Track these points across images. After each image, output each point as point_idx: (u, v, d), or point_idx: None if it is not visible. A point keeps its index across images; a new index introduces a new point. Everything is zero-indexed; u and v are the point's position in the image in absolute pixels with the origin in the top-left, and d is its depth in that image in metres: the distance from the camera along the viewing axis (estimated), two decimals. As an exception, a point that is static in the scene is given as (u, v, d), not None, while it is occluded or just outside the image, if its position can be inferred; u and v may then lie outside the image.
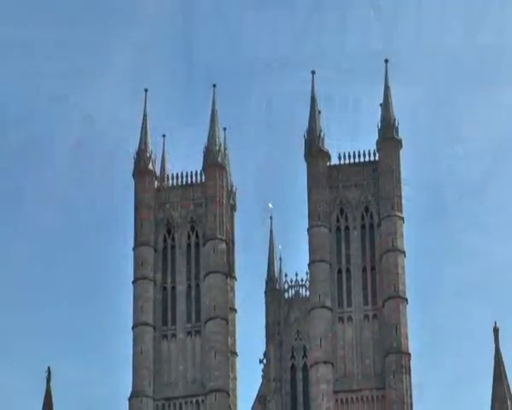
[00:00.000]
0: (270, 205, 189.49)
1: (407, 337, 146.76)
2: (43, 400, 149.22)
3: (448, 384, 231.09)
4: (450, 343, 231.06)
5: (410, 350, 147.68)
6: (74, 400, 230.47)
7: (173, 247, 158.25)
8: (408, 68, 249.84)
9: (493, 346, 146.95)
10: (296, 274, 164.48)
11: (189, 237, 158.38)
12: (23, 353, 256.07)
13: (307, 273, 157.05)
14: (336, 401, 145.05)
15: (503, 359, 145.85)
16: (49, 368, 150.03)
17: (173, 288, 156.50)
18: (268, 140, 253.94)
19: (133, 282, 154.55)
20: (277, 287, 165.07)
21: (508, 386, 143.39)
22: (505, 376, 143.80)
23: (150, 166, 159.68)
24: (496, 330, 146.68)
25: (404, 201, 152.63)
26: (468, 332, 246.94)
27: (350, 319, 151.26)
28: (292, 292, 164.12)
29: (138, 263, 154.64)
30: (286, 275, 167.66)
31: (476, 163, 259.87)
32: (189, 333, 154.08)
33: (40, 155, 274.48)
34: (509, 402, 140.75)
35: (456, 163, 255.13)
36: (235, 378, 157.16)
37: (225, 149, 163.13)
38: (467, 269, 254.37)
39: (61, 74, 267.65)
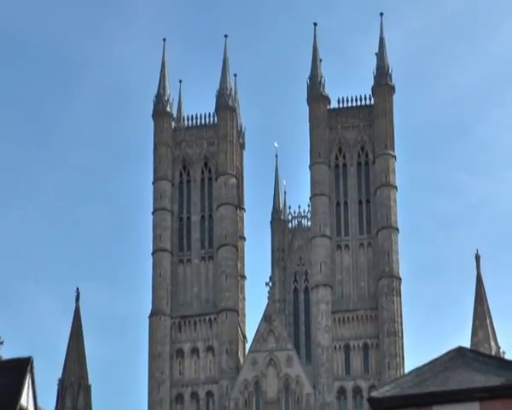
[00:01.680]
0: (276, 144, 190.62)
1: (398, 263, 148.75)
2: (72, 317, 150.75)
3: (434, 305, 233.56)
4: (436, 269, 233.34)
5: (401, 274, 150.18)
6: (100, 318, 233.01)
7: (188, 181, 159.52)
8: (402, 21, 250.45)
9: (475, 271, 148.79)
10: (299, 206, 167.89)
11: (202, 173, 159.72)
12: (54, 276, 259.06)
13: (309, 206, 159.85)
14: (334, 319, 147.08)
15: (484, 282, 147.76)
16: (77, 289, 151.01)
17: (188, 218, 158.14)
18: (274, 85, 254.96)
19: (152, 213, 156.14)
20: (282, 218, 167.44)
21: (487, 306, 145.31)
22: (485, 297, 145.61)
23: (168, 109, 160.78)
24: (477, 257, 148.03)
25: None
26: (452, 259, 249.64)
27: (347, 246, 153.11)
28: (295, 222, 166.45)
29: (157, 196, 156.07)
30: (290, 207, 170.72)
31: (463, 107, 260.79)
32: (202, 258, 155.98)
33: (70, 98, 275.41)
34: (487, 320, 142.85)
35: (445, 107, 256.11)
36: (243, 299, 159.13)
37: (235, 93, 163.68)
38: (452, 203, 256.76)
39: (91, 27, 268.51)
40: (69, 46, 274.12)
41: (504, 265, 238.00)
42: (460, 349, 37.53)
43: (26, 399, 35.76)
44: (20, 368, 36.54)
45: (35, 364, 37.14)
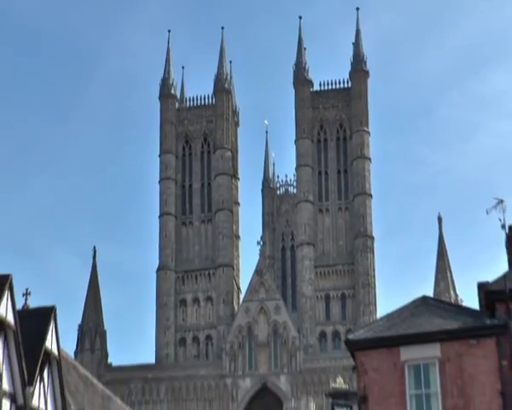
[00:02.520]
0: (266, 122, 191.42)
1: (371, 224, 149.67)
2: (90, 272, 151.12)
3: (402, 260, 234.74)
4: (404, 229, 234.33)
5: (374, 234, 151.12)
6: (114, 272, 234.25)
7: (190, 154, 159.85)
8: (375, 14, 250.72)
9: (437, 231, 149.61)
10: (286, 176, 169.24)
11: (202, 147, 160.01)
12: (75, 236, 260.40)
13: (294, 175, 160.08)
14: (316, 273, 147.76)
15: (445, 240, 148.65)
16: (94, 247, 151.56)
17: (190, 186, 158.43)
18: (264, 71, 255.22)
19: (159, 181, 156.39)
20: (271, 186, 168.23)
21: (448, 261, 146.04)
22: (446, 253, 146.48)
23: (172, 91, 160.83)
24: (439, 219, 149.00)
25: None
26: (418, 220, 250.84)
27: (327, 210, 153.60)
28: (282, 190, 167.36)
29: (163, 167, 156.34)
30: (278, 176, 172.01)
31: (427, 90, 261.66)
32: (202, 221, 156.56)
33: (87, 81, 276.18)
34: (448, 273, 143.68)
35: (412, 90, 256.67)
36: (238, 256, 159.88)
37: (231, 77, 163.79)
38: (417, 172, 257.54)
39: (105, 20, 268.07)
40: (86, 37, 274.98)
41: (462, 225, 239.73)
42: (424, 298, 37.70)
43: (50, 343, 35.85)
44: (44, 316, 36.60)
45: (58, 312, 37.23)
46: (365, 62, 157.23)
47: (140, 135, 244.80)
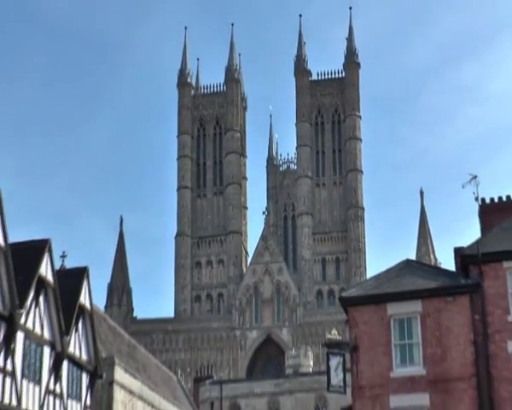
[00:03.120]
0: (270, 107, 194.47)
1: (362, 197, 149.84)
2: (117, 238, 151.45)
3: (389, 228, 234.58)
4: (391, 201, 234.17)
5: (364, 205, 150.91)
6: (138, 238, 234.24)
7: (204, 135, 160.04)
8: (366, 12, 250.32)
9: (420, 202, 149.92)
10: (287, 154, 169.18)
11: (214, 129, 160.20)
12: (105, 206, 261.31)
13: (295, 154, 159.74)
14: (314, 239, 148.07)
15: (426, 211, 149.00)
16: (121, 216, 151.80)
17: (204, 163, 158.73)
18: (269, 62, 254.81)
19: (177, 159, 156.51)
20: (275, 163, 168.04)
21: (428, 229, 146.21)
22: (427, 222, 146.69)
23: (188, 80, 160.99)
24: (421, 193, 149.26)
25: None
26: (403, 193, 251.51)
27: (324, 184, 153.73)
28: (284, 167, 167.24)
29: (181, 146, 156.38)
30: (281, 155, 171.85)
31: (411, 79, 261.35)
32: (215, 194, 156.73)
33: (114, 71, 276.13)
34: (428, 239, 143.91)
35: (398, 79, 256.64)
36: (246, 224, 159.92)
37: (240, 68, 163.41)
38: (403, 151, 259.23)
39: (131, 17, 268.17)
40: (114, 32, 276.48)
41: (441, 198, 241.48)
42: (407, 261, 37.87)
43: (83, 298, 36.09)
44: (79, 275, 36.83)
45: (90, 272, 37.45)
46: (357, 55, 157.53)
47: (160, 118, 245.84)
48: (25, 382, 29.76)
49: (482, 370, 30.94)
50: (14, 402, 28.79)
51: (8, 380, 28.37)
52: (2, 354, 28.05)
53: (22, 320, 29.30)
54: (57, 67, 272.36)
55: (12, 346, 28.62)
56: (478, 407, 30.70)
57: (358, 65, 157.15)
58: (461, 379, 31.09)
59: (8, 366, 28.45)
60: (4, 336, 28.14)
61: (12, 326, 28.42)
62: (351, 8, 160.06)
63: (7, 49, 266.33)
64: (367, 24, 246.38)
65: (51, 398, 32.06)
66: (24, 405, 29.50)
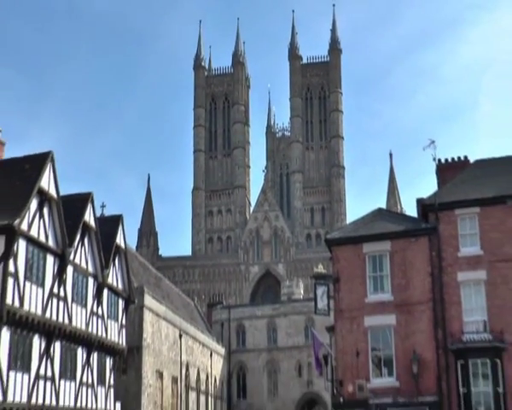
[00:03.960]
0: (269, 85, 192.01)
1: (343, 158, 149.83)
2: (145, 191, 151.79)
3: (365, 183, 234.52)
4: (365, 162, 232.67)
5: (345, 165, 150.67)
6: (162, 191, 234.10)
7: (215, 108, 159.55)
8: (346, 9, 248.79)
9: (389, 163, 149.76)
10: (283, 123, 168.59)
11: (223, 103, 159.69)
12: (135, 165, 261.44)
13: (289, 123, 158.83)
14: (304, 192, 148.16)
15: (394, 170, 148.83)
16: (148, 174, 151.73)
17: (215, 131, 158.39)
18: (268, 49, 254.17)
19: (193, 128, 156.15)
20: (272, 131, 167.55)
21: (396, 184, 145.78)
22: (395, 178, 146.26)
23: (203, 64, 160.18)
24: (391, 155, 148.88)
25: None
26: (376, 156, 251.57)
27: (312, 148, 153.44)
28: (280, 134, 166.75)
29: (196, 117, 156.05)
30: (277, 124, 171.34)
31: (383, 62, 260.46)
32: (224, 155, 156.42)
33: (141, 56, 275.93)
34: (396, 192, 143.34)
35: (371, 62, 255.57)
36: (249, 180, 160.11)
37: (244, 53, 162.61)
38: (374, 122, 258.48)
39: (154, 10, 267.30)
40: (143, 25, 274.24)
41: (406, 159, 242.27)
42: (379, 210, 38.17)
43: (119, 240, 36.50)
44: (115, 221, 37.15)
45: (124, 219, 37.74)
46: (339, 43, 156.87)
47: (180, 95, 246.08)
48: (74, 305, 30.25)
49: (437, 295, 31.45)
50: (66, 321, 29.34)
51: (61, 304, 28.88)
52: (56, 283, 28.49)
53: (71, 257, 29.75)
54: (98, 53, 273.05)
55: (64, 277, 29.05)
56: (433, 324, 31.27)
57: (340, 51, 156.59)
58: (420, 303, 31.62)
59: (61, 293, 28.97)
60: (58, 270, 28.57)
61: (63, 261, 28.84)
62: (334, 5, 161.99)
63: (59, 38, 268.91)
64: (347, 18, 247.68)
65: (95, 318, 32.63)
66: (74, 323, 30.03)
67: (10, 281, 24.75)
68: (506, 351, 29.55)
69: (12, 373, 25.15)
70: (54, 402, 28.32)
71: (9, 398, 24.79)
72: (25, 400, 25.91)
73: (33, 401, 26.55)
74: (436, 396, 30.08)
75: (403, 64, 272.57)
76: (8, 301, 24.52)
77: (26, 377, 26.15)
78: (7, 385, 24.73)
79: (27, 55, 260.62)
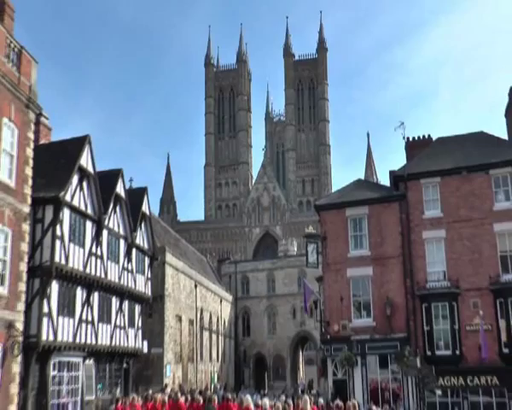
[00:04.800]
0: (267, 78, 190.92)
1: (329, 138, 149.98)
2: (165, 167, 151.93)
3: (348, 158, 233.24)
4: (347, 141, 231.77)
5: (330, 143, 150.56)
6: (179, 167, 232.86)
7: (223, 98, 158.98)
8: (331, 14, 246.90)
9: (367, 141, 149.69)
10: (279, 110, 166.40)
11: (229, 94, 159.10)
12: (157, 145, 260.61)
13: (284, 110, 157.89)
14: (297, 167, 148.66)
15: (371, 147, 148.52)
16: (168, 153, 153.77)
17: (223, 117, 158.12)
18: (266, 49, 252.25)
19: (204, 114, 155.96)
20: (270, 116, 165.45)
21: (372, 159, 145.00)
22: (371, 154, 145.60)
23: (212, 61, 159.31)
24: (368, 135, 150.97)
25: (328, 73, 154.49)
26: (356, 135, 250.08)
27: (303, 130, 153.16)
28: (277, 118, 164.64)
29: (207, 105, 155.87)
30: (274, 111, 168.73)
31: (362, 57, 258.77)
32: (230, 137, 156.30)
33: (159, 54, 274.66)
34: (372, 166, 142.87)
35: (349, 58, 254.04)
36: (251, 157, 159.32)
37: (246, 53, 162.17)
38: (356, 107, 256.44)
39: (169, 15, 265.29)
40: (159, 29, 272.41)
41: (381, 138, 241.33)
42: (359, 180, 38.25)
43: (145, 208, 36.55)
44: (141, 193, 37.20)
45: (148, 190, 37.82)
46: (325, 43, 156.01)
47: (193, 87, 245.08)
48: (109, 262, 30.44)
49: (406, 251, 31.69)
50: (103, 275, 29.56)
51: (98, 261, 29.08)
52: (94, 244, 28.68)
53: (106, 222, 29.89)
54: (125, 52, 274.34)
55: (100, 239, 29.23)
56: (403, 275, 31.54)
57: (326, 50, 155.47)
58: (392, 257, 31.85)
59: (98, 252, 29.14)
60: (95, 233, 28.74)
61: (100, 226, 28.98)
62: (321, 11, 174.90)
63: (94, 40, 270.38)
64: (332, 22, 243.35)
65: (125, 272, 32.83)
66: (108, 277, 30.24)
67: (58, 243, 25.01)
68: (461, 296, 29.96)
69: (60, 318, 25.58)
70: (93, 341, 28.74)
71: (59, 338, 25.32)
72: (71, 339, 26.33)
73: (77, 340, 26.98)
74: (405, 333, 30.46)
75: (377, 59, 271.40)
76: (57, 259, 24.82)
77: (71, 321, 26.53)
78: (57, 328, 25.19)
79: (68, 55, 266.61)
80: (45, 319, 24.39)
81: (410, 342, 30.01)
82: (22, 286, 22.27)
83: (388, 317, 30.72)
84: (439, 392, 28.67)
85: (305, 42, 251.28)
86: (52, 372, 25.33)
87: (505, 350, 28.56)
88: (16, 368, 21.80)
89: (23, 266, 22.33)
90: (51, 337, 24.65)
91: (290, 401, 19.87)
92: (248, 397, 18.27)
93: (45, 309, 24.46)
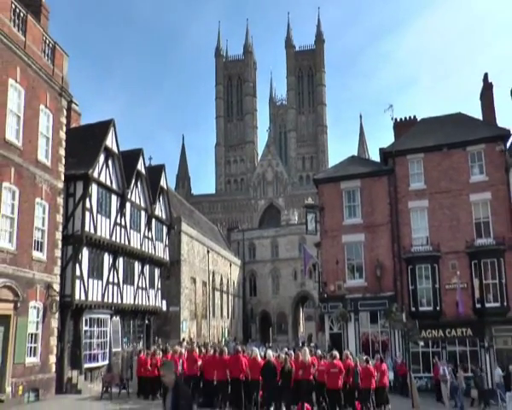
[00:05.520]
0: (271, 67, 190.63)
1: (326, 118, 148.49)
2: (181, 147, 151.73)
3: (341, 136, 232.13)
4: (341, 121, 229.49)
5: (327, 124, 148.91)
6: (193, 147, 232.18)
7: (231, 85, 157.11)
8: (328, 8, 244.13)
9: (359, 122, 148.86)
10: (281, 95, 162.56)
11: (237, 81, 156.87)
12: (173, 127, 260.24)
13: (286, 94, 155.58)
14: (297, 145, 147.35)
15: (363, 128, 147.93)
16: (183, 135, 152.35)
17: (231, 101, 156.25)
18: (270, 42, 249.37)
19: (215, 99, 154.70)
20: (274, 100, 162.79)
21: (365, 138, 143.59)
22: (364, 134, 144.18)
23: (221, 53, 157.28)
24: (360, 116, 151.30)
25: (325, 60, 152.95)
26: (349, 116, 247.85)
27: (303, 112, 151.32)
28: (279, 102, 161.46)
29: (217, 91, 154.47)
30: (277, 95, 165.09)
31: (354, 47, 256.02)
32: (238, 119, 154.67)
33: (175, 45, 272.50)
34: (364, 144, 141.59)
35: (347, 48, 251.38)
36: (257, 137, 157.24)
37: (252, 45, 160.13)
38: (350, 91, 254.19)
39: (185, 14, 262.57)
40: (175, 24, 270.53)
41: (373, 119, 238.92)
42: (352, 157, 38.36)
43: (163, 183, 36.74)
44: (159, 169, 37.34)
45: (166, 168, 37.99)
46: (323, 35, 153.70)
47: (205, 75, 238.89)
48: (132, 231, 30.74)
49: (394, 219, 31.97)
50: (126, 243, 29.87)
51: (123, 230, 29.40)
52: (119, 215, 28.94)
53: (129, 196, 30.12)
54: (145, 44, 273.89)
55: (124, 211, 29.48)
56: (391, 240, 31.89)
57: (324, 41, 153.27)
58: (382, 225, 32.14)
59: (122, 222, 29.42)
60: (119, 205, 28.99)
61: (123, 199, 29.23)
62: (319, 7, 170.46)
63: (116, 33, 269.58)
64: (329, 16, 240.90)
65: (146, 240, 33.12)
66: (132, 244, 30.56)
67: (87, 214, 25.34)
68: (441, 258, 30.33)
69: (90, 280, 25.99)
70: (119, 301, 29.16)
71: (90, 298, 25.77)
72: (100, 299, 26.75)
73: (105, 299, 27.40)
74: (393, 292, 30.85)
75: (368, 50, 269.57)
76: (86, 229, 25.17)
77: (99, 282, 26.93)
78: (87, 289, 25.60)
79: (95, 48, 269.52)
80: (78, 281, 24.82)
81: (397, 299, 30.42)
82: (58, 252, 22.78)
83: (378, 278, 31.06)
84: (421, 343, 29.09)
85: (304, 35, 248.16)
86: (84, 327, 25.80)
87: (478, 305, 29.16)
88: (54, 323, 22.47)
89: (58, 235, 22.83)
90: (83, 297, 25.12)
91: (291, 352, 20.28)
92: (256, 349, 18.80)
93: (77, 273, 24.90)
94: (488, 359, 28.28)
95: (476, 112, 55.39)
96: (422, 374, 29.46)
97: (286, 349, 22.61)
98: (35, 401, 20.20)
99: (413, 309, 29.92)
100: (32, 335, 20.72)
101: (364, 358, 19.48)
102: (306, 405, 17.56)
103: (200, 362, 19.48)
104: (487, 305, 28.81)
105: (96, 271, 26.66)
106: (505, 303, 28.61)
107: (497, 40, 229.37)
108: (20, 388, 19.54)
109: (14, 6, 19.73)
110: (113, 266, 28.54)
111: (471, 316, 29.03)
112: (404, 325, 25.25)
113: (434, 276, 29.99)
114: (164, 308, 37.29)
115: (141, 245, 32.05)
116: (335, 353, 18.63)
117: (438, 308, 29.66)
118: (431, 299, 29.86)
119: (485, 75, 33.48)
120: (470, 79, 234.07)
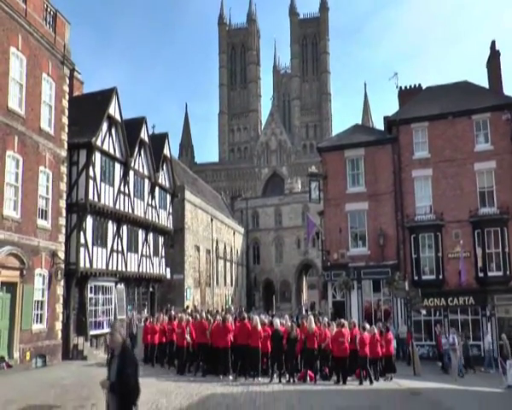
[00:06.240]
0: (274, 36, 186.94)
1: (330, 87, 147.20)
2: (184, 115, 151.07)
3: (345, 106, 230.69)
4: (346, 90, 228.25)
5: (331, 92, 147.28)
6: (196, 115, 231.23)
7: (235, 53, 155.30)
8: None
9: (364, 91, 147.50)
10: (285, 63, 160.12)
11: (241, 49, 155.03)
12: (175, 98, 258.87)
13: (290, 62, 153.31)
14: (301, 113, 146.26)
15: (368, 96, 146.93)
16: (186, 103, 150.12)
17: (235, 69, 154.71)
18: (274, 12, 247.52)
19: (219, 68, 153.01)
20: (277, 69, 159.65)
21: (368, 106, 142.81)
22: (368, 102, 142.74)
23: (225, 21, 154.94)
24: (365, 84, 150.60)
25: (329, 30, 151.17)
26: (353, 85, 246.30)
27: (307, 81, 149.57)
28: (283, 70, 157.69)
29: (221, 60, 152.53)
30: (281, 64, 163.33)
31: (356, 16, 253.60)
32: (241, 87, 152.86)
33: (181, 14, 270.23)
34: (368, 113, 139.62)
35: (351, 17, 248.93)
36: (260, 105, 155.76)
37: (256, 12, 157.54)
38: (353, 60, 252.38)
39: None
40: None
41: (377, 88, 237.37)
42: (356, 125, 38.15)
43: (166, 150, 36.69)
44: (163, 138, 37.27)
45: (169, 136, 37.87)
46: (327, 3, 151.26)
47: (209, 43, 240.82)
48: (135, 199, 30.83)
49: (397, 188, 31.85)
50: (130, 211, 29.99)
51: (126, 198, 29.49)
52: (122, 183, 28.98)
53: (132, 164, 30.15)
54: (148, 12, 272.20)
55: (127, 179, 29.52)
56: (394, 209, 31.84)
57: (328, 9, 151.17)
58: (385, 193, 32.02)
59: (126, 191, 29.50)
60: (123, 174, 29.04)
61: (127, 167, 29.27)
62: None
63: (116, 1, 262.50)
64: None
65: (150, 208, 33.24)
66: (135, 212, 30.66)
67: (91, 182, 25.42)
68: (444, 227, 30.29)
69: (95, 248, 26.17)
70: (123, 268, 29.37)
71: (94, 265, 25.98)
72: (104, 267, 26.94)
73: (110, 267, 27.61)
74: (396, 261, 30.89)
75: (373, 18, 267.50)
76: (90, 197, 25.26)
77: (104, 250, 27.09)
78: (92, 256, 25.78)
79: (97, 16, 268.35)
80: (82, 249, 24.97)
81: (399, 268, 30.47)
82: (62, 221, 22.87)
83: (381, 246, 31.09)
84: (423, 311, 29.23)
85: (308, 2, 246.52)
86: (89, 295, 26.05)
87: (480, 274, 29.20)
88: (60, 291, 22.65)
89: (62, 203, 22.89)
90: (88, 265, 25.32)
91: (294, 319, 20.44)
92: (257, 317, 18.99)
93: (82, 240, 25.06)
94: (490, 327, 28.42)
95: (483, 81, 55.10)
96: (424, 342, 29.65)
97: (287, 316, 22.81)
98: (42, 367, 20.52)
99: (416, 278, 30.00)
100: (38, 302, 20.94)
101: (363, 326, 19.56)
102: (309, 372, 17.73)
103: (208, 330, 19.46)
104: (490, 274, 28.87)
105: (100, 239, 26.78)
106: (508, 272, 28.68)
107: (507, 8, 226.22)
108: (28, 354, 19.79)
109: (14, -28, 19.47)
110: (117, 234, 28.65)
111: (473, 285, 29.13)
112: (407, 293, 25.31)
113: (437, 245, 30.00)
114: (168, 276, 37.53)
115: (144, 213, 32.12)
116: (343, 321, 18.77)
117: (440, 277, 29.74)
118: (434, 268, 29.94)
119: (493, 42, 33.04)
120: (477, 48, 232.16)
